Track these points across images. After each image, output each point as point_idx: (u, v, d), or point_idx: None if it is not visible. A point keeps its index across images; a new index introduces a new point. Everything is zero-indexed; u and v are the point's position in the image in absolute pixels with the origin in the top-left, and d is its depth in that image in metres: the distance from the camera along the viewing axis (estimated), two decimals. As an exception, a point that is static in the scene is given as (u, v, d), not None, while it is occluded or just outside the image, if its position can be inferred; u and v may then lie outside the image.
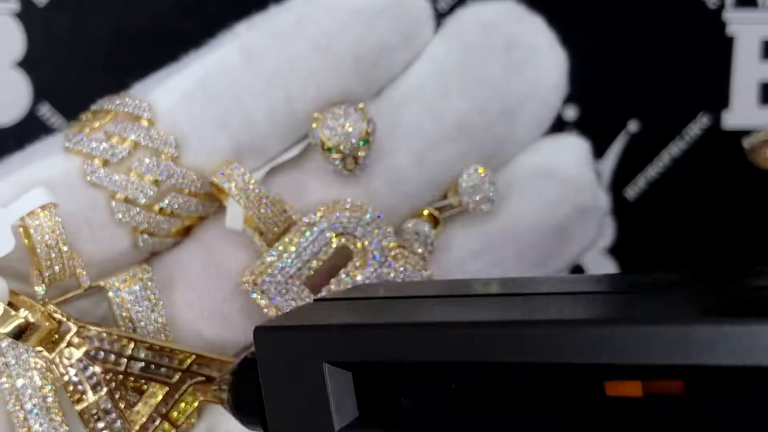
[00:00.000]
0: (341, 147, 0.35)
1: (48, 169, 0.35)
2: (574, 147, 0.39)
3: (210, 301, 0.36)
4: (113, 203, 0.35)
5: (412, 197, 0.37)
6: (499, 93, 0.37)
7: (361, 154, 0.36)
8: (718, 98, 0.50)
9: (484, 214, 0.37)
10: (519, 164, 0.38)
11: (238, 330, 0.36)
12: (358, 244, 0.36)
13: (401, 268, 0.36)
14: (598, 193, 0.39)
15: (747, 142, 0.30)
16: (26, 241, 0.33)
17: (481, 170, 0.37)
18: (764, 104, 0.50)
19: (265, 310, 0.35)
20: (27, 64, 0.46)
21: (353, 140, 0.36)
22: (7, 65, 0.45)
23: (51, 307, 0.33)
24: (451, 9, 0.47)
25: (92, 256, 0.35)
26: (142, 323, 0.35)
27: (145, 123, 0.35)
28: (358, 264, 0.36)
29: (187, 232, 0.37)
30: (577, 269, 0.40)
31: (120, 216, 0.35)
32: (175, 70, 0.36)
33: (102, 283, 0.35)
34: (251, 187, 0.35)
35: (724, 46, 0.49)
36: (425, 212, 0.38)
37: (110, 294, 0.35)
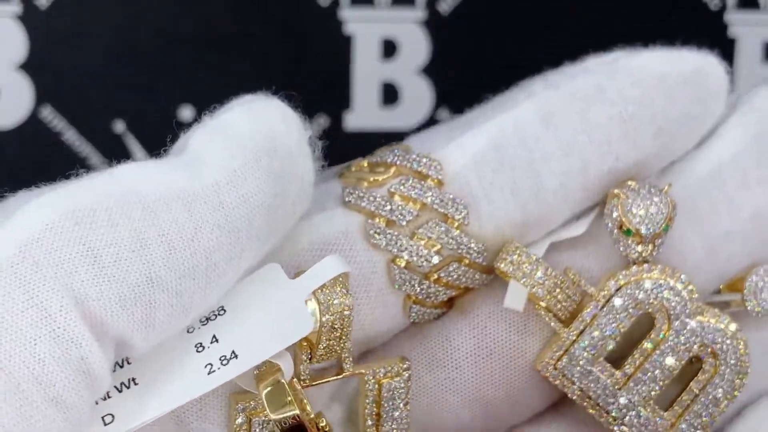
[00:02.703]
0: (643, 231, 0.32)
1: (327, 224, 0.31)
2: None
3: (476, 387, 0.32)
4: (393, 268, 0.31)
5: (700, 292, 0.34)
6: None
7: (658, 241, 0.32)
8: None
9: (762, 319, 0.34)
10: None
11: (500, 420, 0.33)
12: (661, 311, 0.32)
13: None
14: None
15: None
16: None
17: None
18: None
19: (570, 395, 0.32)
20: (29, 66, 0.44)
21: (657, 225, 0.32)
22: (9, 67, 0.44)
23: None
24: (453, 11, 0.45)
25: (361, 325, 0.31)
26: (388, 422, 0.31)
27: (432, 183, 0.31)
28: (663, 332, 0.32)
29: (449, 303, 0.33)
30: None
31: (399, 283, 0.31)
32: (462, 125, 0.33)
33: (363, 371, 0.31)
34: (541, 273, 0.31)
35: (726, 48, 0.47)
36: None
37: (368, 386, 0.31)
